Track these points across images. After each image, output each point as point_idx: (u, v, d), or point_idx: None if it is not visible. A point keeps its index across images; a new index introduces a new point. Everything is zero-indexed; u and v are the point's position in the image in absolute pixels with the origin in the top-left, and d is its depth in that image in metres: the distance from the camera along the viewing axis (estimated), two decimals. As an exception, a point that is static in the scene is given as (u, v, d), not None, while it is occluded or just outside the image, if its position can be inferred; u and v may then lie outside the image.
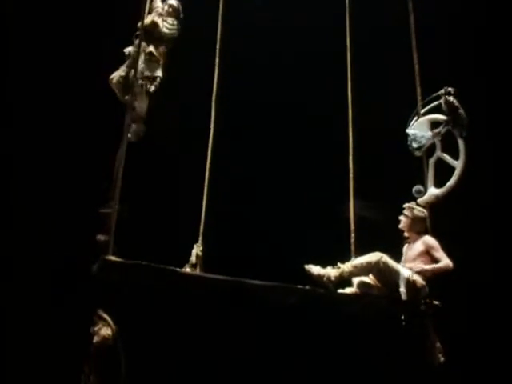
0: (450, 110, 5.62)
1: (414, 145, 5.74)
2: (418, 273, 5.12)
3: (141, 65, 5.93)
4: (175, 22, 6.29)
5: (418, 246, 5.37)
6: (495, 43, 7.07)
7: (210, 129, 5.93)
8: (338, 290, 5.24)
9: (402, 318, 5.07)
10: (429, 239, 5.36)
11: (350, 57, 6.30)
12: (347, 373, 4.88)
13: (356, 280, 5.30)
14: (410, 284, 5.07)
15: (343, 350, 4.91)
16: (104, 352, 4.26)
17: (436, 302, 5.20)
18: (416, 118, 5.85)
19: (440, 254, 5.23)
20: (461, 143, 5.56)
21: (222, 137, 6.01)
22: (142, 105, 6.00)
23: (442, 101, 5.70)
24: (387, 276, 5.15)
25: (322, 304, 4.93)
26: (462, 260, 5.28)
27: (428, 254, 5.28)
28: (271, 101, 7.41)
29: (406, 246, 5.55)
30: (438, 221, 5.48)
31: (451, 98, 5.61)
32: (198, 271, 5.73)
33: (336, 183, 6.15)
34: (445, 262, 5.19)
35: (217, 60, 6.17)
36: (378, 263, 5.12)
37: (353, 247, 5.83)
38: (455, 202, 5.58)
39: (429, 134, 5.70)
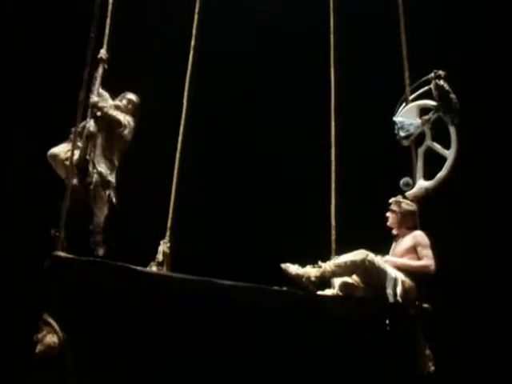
0: (441, 94, 5.16)
1: (402, 133, 5.25)
2: (393, 267, 4.66)
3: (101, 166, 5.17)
4: (132, 124, 5.43)
5: (407, 241, 4.89)
6: (488, 23, 6.64)
7: (179, 123, 5.49)
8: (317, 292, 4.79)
9: (389, 322, 4.62)
10: (419, 234, 4.88)
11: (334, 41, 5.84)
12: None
13: (338, 281, 4.81)
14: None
15: (323, 357, 4.40)
16: (49, 362, 3.69)
17: (426, 305, 4.73)
18: (404, 104, 5.39)
19: (425, 252, 4.76)
20: (452, 131, 5.08)
21: (194, 130, 5.60)
22: (102, 214, 5.20)
23: (432, 86, 5.24)
24: (373, 276, 4.65)
25: (300, 307, 4.41)
26: (455, 259, 4.82)
27: (416, 251, 4.81)
28: (247, 98, 6.96)
29: (394, 244, 5.08)
30: (426, 216, 4.99)
31: (441, 82, 5.14)
32: (165, 270, 5.32)
33: (314, 176, 5.66)
34: (425, 262, 4.73)
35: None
36: (363, 262, 4.62)
37: (333, 245, 5.34)
38: (446, 195, 5.09)
39: (417, 121, 5.23)
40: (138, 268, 4.02)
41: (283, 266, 4.56)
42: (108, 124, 5.23)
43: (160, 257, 5.37)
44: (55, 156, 5.13)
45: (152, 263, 5.31)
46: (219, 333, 4.11)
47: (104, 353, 3.88)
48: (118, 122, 5.24)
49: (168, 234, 5.39)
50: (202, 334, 4.08)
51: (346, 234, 5.28)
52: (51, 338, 3.72)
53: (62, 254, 4.00)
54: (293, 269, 4.55)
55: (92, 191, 5.14)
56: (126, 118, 5.35)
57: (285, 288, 4.46)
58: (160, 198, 5.48)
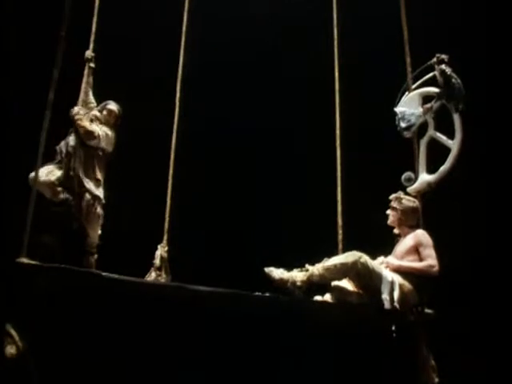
0: (445, 81, 4.73)
1: (403, 124, 4.88)
2: (393, 270, 4.26)
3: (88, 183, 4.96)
4: (111, 134, 5.19)
5: (408, 241, 4.49)
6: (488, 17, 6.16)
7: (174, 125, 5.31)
8: (314, 298, 4.46)
9: (387, 330, 4.22)
10: (420, 233, 4.48)
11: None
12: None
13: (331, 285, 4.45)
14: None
15: (311, 370, 4.05)
16: (7, 376, 3.52)
17: (428, 311, 4.33)
18: (406, 93, 5.00)
19: (427, 252, 4.34)
20: (456, 119, 4.65)
21: (190, 132, 5.48)
22: (95, 233, 5.01)
23: (436, 72, 4.82)
24: (367, 280, 4.27)
25: (283, 314, 4.08)
26: (460, 260, 4.38)
27: (418, 252, 4.40)
28: (245, 98, 6.70)
29: (397, 245, 4.69)
30: (430, 214, 4.59)
31: (443, 67, 4.71)
32: (163, 275, 5.13)
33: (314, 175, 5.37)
34: (428, 262, 4.30)
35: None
36: (355, 265, 4.24)
37: (340, 245, 5.04)
38: (451, 190, 4.67)
39: (419, 110, 4.83)
40: (104, 274, 3.81)
41: (266, 270, 4.26)
42: (82, 137, 5.00)
43: (157, 261, 5.23)
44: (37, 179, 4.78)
45: (152, 269, 5.20)
46: (194, 340, 3.84)
47: (69, 363, 3.68)
48: (90, 134, 5.00)
49: (165, 237, 5.22)
50: (174, 342, 3.82)
51: (347, 234, 4.98)
52: (9, 350, 3.57)
53: (25, 260, 3.84)
54: (276, 273, 4.23)
55: (84, 210, 4.95)
56: (102, 129, 5.10)
57: (267, 294, 4.14)
58: (156, 201, 5.31)
